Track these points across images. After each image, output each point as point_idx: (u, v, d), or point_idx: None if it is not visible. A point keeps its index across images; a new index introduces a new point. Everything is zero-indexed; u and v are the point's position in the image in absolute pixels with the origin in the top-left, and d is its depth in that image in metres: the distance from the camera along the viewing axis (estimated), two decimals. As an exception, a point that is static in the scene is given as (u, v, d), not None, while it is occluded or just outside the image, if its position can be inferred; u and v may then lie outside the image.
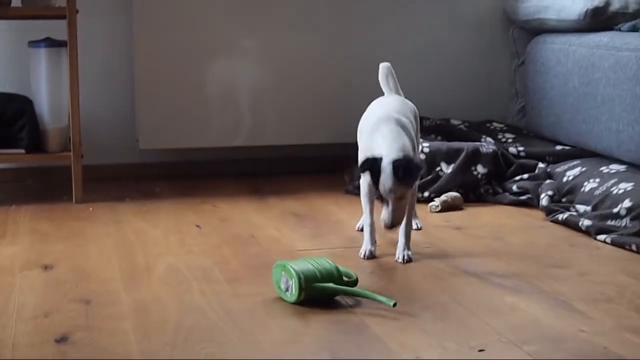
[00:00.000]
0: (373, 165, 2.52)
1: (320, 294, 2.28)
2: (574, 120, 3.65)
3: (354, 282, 2.35)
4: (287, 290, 2.29)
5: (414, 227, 2.93)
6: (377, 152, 2.55)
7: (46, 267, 2.61)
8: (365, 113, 2.81)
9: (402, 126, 2.62)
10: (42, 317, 2.20)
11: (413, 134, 2.68)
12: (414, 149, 2.63)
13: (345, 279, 2.34)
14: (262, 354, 1.99)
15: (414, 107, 2.87)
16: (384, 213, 2.53)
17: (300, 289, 2.25)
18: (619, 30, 3.59)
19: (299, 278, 2.25)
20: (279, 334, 2.12)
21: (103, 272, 2.58)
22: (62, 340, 2.05)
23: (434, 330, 2.12)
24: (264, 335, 2.09)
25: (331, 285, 2.28)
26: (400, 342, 2.04)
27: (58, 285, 2.45)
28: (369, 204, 2.71)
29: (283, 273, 2.30)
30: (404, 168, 2.50)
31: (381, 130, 2.60)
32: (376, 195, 2.58)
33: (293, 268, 2.27)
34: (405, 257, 2.66)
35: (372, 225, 2.72)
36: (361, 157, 2.65)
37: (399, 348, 2.01)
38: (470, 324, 2.17)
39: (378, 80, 2.92)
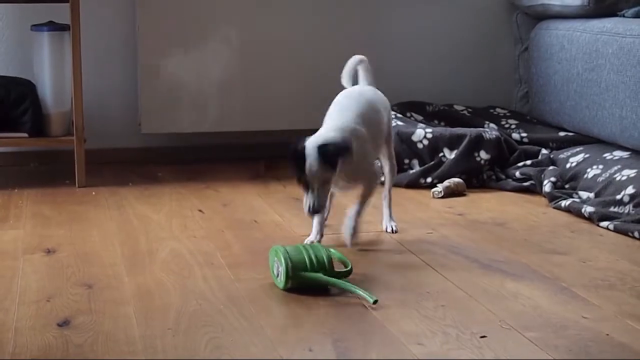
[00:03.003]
0: (296, 152, 2.46)
1: (308, 284, 2.28)
2: (578, 106, 3.65)
3: (348, 272, 2.33)
4: (277, 276, 2.30)
5: (389, 229, 2.85)
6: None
7: (49, 251, 2.62)
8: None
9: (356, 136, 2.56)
10: (44, 301, 2.20)
11: (368, 144, 2.62)
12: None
13: (337, 270, 2.32)
14: (264, 339, 1.99)
15: (385, 99, 2.83)
16: (309, 198, 2.46)
17: (287, 276, 2.26)
18: (623, 16, 3.58)
19: (287, 266, 2.25)
20: (281, 320, 2.12)
21: (105, 256, 2.58)
22: (64, 324, 2.06)
23: (436, 317, 2.12)
24: (265, 321, 2.09)
25: (318, 275, 2.27)
26: (402, 328, 2.05)
27: (60, 269, 2.46)
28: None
29: (276, 259, 2.31)
30: (328, 151, 2.44)
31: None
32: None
33: (283, 255, 2.27)
34: (355, 236, 2.59)
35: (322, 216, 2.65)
36: None
37: (401, 334, 2.01)
38: (472, 310, 2.17)
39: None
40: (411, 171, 3.54)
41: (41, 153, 3.80)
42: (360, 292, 2.22)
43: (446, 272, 2.45)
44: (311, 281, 2.27)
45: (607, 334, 2.03)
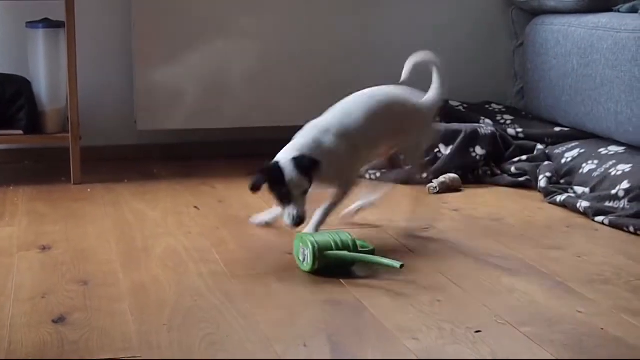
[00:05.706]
0: (271, 168, 2.54)
1: (334, 263, 2.38)
2: (573, 101, 3.65)
3: (371, 252, 2.43)
4: (304, 260, 2.39)
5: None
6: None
7: (44, 248, 2.62)
8: None
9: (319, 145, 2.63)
10: (39, 297, 2.20)
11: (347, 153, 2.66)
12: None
13: (361, 249, 2.43)
14: (259, 334, 1.99)
15: (414, 102, 2.86)
16: (291, 209, 2.53)
17: (314, 257, 2.35)
18: (618, 11, 3.58)
19: (313, 247, 2.35)
20: (277, 316, 2.12)
21: (101, 253, 2.58)
22: (59, 320, 2.06)
23: (431, 312, 2.12)
24: (261, 317, 2.09)
25: (343, 253, 2.37)
26: (397, 323, 2.05)
27: (56, 266, 2.46)
28: None
29: (301, 244, 2.41)
30: (303, 162, 2.53)
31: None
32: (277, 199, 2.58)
33: (309, 238, 2.37)
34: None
35: None
36: None
37: (396, 329, 2.01)
38: (467, 305, 2.17)
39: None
40: (407, 167, 3.54)
41: (36, 150, 3.80)
42: (385, 261, 2.35)
43: (442, 267, 2.45)
44: (337, 259, 2.37)
45: (602, 329, 2.03)
